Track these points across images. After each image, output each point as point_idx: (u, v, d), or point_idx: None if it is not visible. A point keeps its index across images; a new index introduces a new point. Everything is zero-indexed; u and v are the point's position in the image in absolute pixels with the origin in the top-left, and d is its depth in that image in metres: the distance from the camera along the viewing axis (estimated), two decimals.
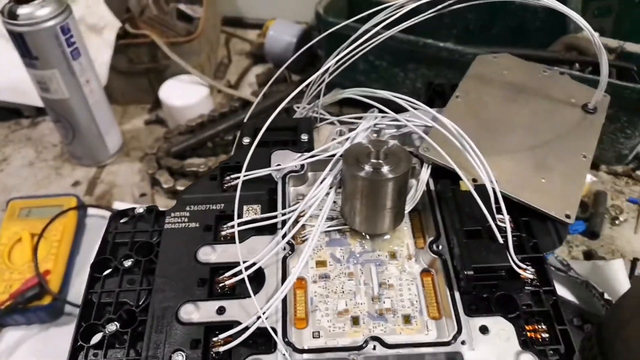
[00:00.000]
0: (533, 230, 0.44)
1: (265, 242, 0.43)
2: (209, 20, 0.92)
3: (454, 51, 0.71)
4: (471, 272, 0.39)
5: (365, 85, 0.53)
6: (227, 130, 0.78)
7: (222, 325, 0.38)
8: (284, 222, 0.44)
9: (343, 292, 0.42)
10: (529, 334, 0.38)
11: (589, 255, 0.65)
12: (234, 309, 0.39)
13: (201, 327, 0.38)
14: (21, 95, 0.82)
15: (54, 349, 0.57)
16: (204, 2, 0.92)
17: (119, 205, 0.71)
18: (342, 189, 0.44)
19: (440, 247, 0.43)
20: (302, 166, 0.48)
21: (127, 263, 0.43)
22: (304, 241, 0.44)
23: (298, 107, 0.57)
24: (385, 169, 0.40)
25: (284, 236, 0.43)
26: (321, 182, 0.45)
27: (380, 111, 0.51)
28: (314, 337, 0.39)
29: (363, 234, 0.45)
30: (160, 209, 0.47)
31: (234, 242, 0.42)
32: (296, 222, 0.43)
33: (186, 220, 0.45)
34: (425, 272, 0.43)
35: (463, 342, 0.37)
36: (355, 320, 0.40)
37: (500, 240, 0.41)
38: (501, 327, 0.38)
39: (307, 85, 0.53)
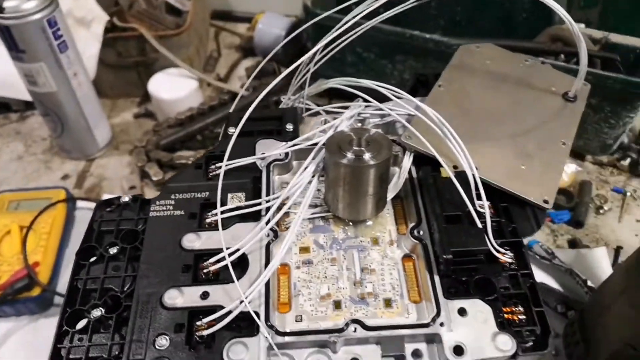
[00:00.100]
0: (512, 216, 0.44)
1: (249, 229, 0.43)
2: (198, 14, 0.92)
3: (440, 43, 0.71)
4: (450, 256, 0.40)
5: (354, 77, 0.53)
6: (216, 123, 0.79)
7: (205, 310, 0.39)
8: (267, 210, 0.44)
9: (326, 277, 0.42)
10: (506, 315, 0.39)
11: (573, 244, 0.66)
12: (218, 294, 0.40)
13: (185, 311, 0.39)
14: (9, 89, 0.82)
15: (44, 340, 0.56)
16: None
17: None
18: (325, 176, 0.45)
19: (421, 232, 0.43)
20: (287, 155, 0.49)
21: (113, 250, 0.44)
22: (287, 228, 0.44)
23: (284, 98, 0.58)
24: (367, 155, 0.41)
25: (267, 223, 0.43)
26: (304, 170, 0.46)
27: (365, 100, 0.52)
28: (296, 321, 0.40)
29: (346, 220, 0.46)
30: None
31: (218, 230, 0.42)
32: (279, 209, 0.44)
33: (171, 208, 0.46)
34: (406, 257, 0.44)
35: (442, 324, 0.38)
36: (337, 304, 0.41)
37: (480, 225, 0.41)
38: (479, 309, 0.38)
39: (293, 76, 0.53)
